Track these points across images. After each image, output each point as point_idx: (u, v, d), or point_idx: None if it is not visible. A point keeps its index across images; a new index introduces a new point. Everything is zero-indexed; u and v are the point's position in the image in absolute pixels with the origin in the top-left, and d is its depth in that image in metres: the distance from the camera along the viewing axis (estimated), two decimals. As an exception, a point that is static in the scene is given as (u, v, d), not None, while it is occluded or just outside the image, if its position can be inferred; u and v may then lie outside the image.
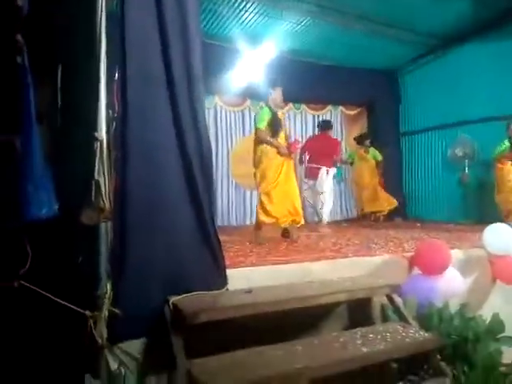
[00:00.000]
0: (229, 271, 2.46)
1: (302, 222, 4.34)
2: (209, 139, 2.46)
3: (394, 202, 6.94)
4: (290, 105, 7.51)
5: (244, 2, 5.27)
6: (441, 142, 7.30)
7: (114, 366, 2.02)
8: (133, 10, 2.16)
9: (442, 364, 2.31)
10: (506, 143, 5.62)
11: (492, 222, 3.67)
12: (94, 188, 2.06)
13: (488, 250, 3.51)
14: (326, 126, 6.26)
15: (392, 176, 7.61)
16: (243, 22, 5.68)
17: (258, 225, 4.29)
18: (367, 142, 7.16)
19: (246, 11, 5.44)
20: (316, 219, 5.91)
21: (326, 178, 5.72)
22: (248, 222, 7.01)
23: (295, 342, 2.19)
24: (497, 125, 6.01)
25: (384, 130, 7.78)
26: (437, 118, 7.28)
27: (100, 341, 1.99)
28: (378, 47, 6.57)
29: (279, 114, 4.49)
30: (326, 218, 5.74)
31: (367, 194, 7.00)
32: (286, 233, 4.39)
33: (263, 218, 4.15)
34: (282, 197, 4.14)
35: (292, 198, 4.22)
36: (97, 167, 2.08)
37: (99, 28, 2.06)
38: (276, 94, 4.35)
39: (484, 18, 5.92)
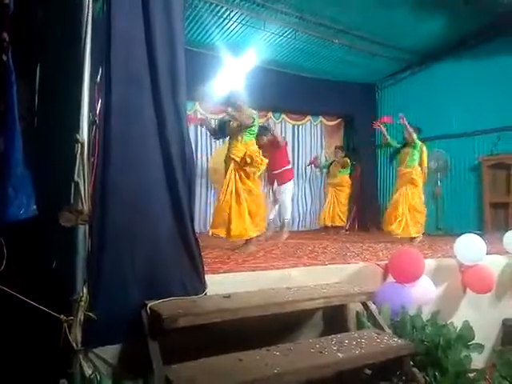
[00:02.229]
0: (207, 277, 2.46)
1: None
2: (191, 144, 2.47)
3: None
4: (270, 114, 7.59)
5: (228, 12, 5.34)
6: (415, 154, 7.51)
7: (88, 371, 1.98)
8: (120, 12, 2.16)
9: (415, 370, 2.37)
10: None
11: (462, 234, 3.80)
12: (73, 190, 2.04)
13: (459, 260, 3.63)
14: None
15: (368, 187, 7.78)
16: (226, 30, 5.74)
17: None
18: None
19: (230, 20, 5.50)
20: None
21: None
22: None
23: (273, 347, 2.20)
24: (469, 140, 6.25)
25: (360, 141, 7.96)
26: (412, 132, 7.50)
27: (75, 345, 1.95)
28: (357, 61, 6.76)
29: None
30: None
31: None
32: None
33: None
34: None
35: None
36: (77, 169, 2.06)
37: (84, 29, 2.05)
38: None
39: (460, 36, 6.22)
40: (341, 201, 6.76)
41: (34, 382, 1.90)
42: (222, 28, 5.68)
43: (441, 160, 6.93)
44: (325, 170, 7.22)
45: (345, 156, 6.90)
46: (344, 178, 6.83)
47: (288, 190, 5.86)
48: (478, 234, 3.80)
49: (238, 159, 3.99)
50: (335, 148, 7.20)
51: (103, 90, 2.18)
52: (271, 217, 6.02)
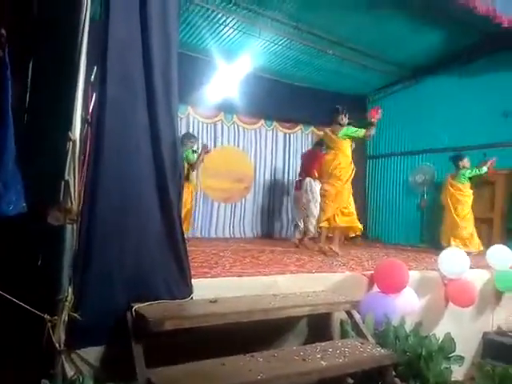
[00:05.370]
0: (194, 281, 2.45)
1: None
2: (181, 147, 2.48)
3: None
4: (262, 121, 7.63)
5: (224, 17, 5.36)
6: (404, 167, 7.63)
7: (70, 372, 1.96)
8: (117, 14, 2.17)
9: (397, 380, 2.40)
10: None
11: (445, 247, 3.87)
12: (63, 188, 2.02)
13: (443, 273, 3.68)
14: (317, 142, 6.39)
15: (356, 197, 7.83)
16: (221, 36, 5.76)
17: None
18: None
19: (226, 26, 5.53)
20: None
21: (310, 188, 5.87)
22: (213, 234, 6.98)
23: (256, 354, 2.21)
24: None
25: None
26: (401, 145, 7.64)
27: (58, 346, 1.93)
28: (349, 73, 6.84)
29: None
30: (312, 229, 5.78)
31: None
32: None
33: None
34: None
35: None
36: (67, 167, 2.05)
37: (82, 29, 2.05)
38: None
39: (451, 52, 6.35)
40: None
41: (16, 381, 1.87)
42: (218, 34, 5.70)
43: (428, 174, 7.04)
44: None
45: None
46: None
47: None
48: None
49: None
50: None
51: (97, 90, 2.18)
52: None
